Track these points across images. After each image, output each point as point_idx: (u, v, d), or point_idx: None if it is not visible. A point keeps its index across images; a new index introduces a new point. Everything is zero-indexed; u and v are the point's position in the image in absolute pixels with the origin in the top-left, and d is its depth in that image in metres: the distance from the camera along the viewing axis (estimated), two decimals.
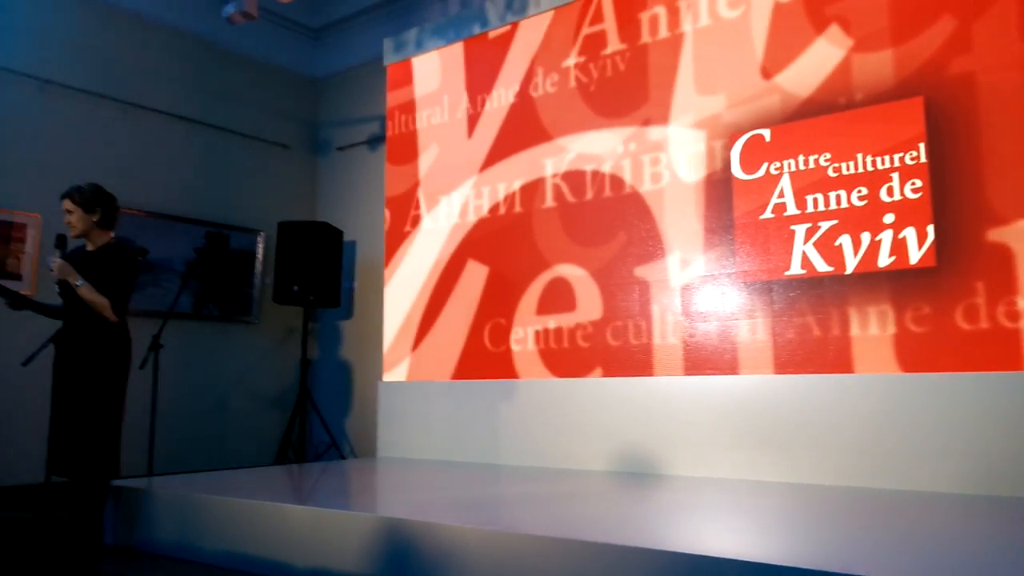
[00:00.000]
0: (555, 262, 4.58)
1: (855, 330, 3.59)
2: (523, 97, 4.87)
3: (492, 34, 5.06)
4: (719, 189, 4.06)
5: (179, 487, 3.60)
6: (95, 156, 5.15)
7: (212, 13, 5.57)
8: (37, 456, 3.49)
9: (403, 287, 5.30)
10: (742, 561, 2.04)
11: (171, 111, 5.64)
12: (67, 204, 3.43)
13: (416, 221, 5.30)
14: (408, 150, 5.43)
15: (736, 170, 4.01)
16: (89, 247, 3.50)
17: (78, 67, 5.18)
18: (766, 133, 3.94)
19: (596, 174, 4.49)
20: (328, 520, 2.88)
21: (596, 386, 4.29)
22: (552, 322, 4.56)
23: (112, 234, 3.56)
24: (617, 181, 4.41)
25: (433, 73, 5.38)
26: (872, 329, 3.55)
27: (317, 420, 5.77)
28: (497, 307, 4.80)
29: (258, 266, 6.13)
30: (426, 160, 5.32)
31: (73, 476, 3.34)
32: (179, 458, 5.35)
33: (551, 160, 4.69)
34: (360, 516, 2.81)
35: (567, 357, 4.49)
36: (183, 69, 5.77)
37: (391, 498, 3.69)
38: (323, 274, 5.59)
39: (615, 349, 4.29)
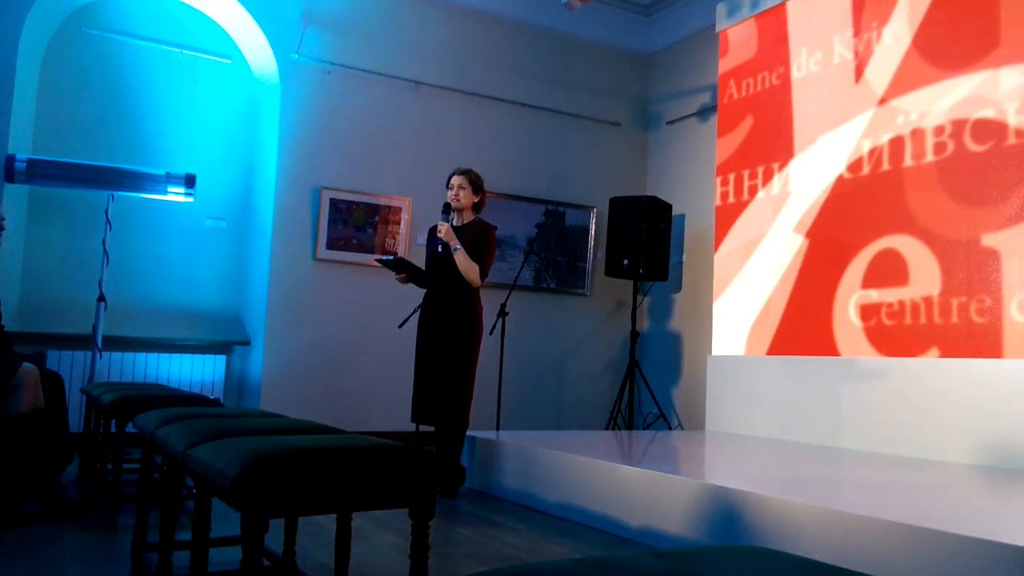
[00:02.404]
0: (928, 224, 4.03)
1: None
2: (857, 53, 4.44)
3: None
4: None
5: (524, 441, 3.96)
6: (454, 145, 5.80)
7: (550, 2, 5.92)
8: (406, 405, 4.06)
9: (733, 260, 5.18)
10: None
11: (514, 99, 6.13)
12: (461, 180, 3.92)
13: (750, 191, 5.13)
14: (740, 117, 5.26)
15: None
16: (456, 222, 3.97)
17: (441, 67, 5.88)
18: None
19: (968, 123, 3.94)
20: (658, 483, 2.96)
21: (947, 367, 3.79)
22: (880, 296, 4.13)
23: (476, 216, 4.01)
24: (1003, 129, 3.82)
25: (772, 34, 5.14)
26: None
27: (645, 391, 5.91)
28: (823, 280, 4.47)
29: (591, 241, 6.43)
30: (760, 127, 5.11)
31: (437, 424, 3.84)
32: (521, 416, 5.86)
33: (893, 118, 4.21)
34: (689, 481, 2.85)
35: (897, 334, 4.04)
36: (524, 59, 6.24)
37: (720, 468, 3.67)
38: (652, 248, 5.68)
39: (957, 327, 3.75)
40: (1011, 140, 3.70)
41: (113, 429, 3.07)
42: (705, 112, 6.05)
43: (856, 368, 4.24)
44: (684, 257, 6.20)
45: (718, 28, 5.53)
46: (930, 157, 4.04)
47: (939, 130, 4.01)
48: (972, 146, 3.86)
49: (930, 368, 3.88)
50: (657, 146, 6.65)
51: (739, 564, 0.83)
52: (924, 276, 3.99)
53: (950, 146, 3.96)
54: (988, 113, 3.80)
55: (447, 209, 3.92)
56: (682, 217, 6.20)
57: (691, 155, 6.21)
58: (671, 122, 6.44)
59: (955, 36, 4.00)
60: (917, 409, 3.89)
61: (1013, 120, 3.70)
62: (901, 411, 3.96)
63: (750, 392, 4.86)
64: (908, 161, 4.13)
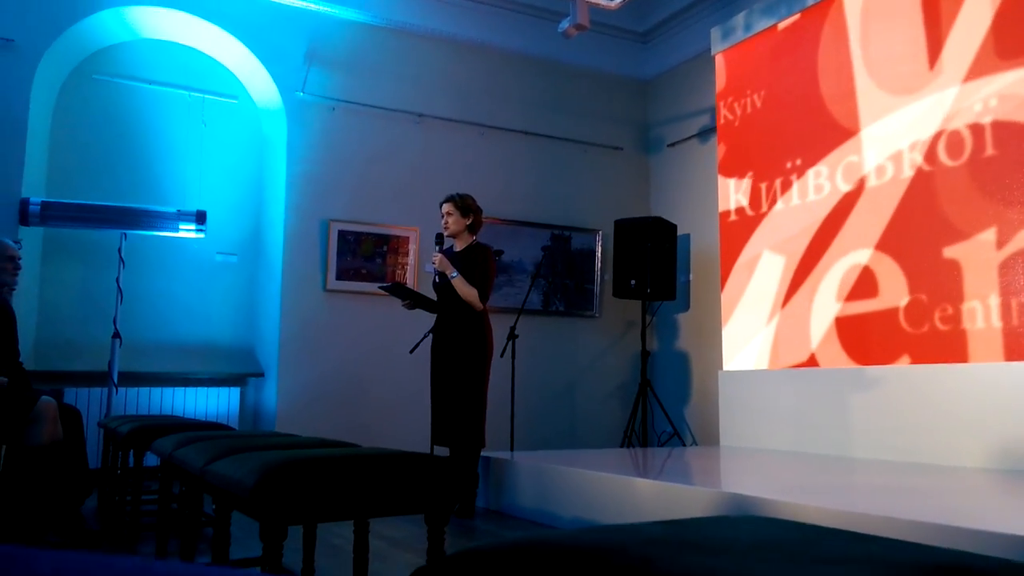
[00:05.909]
0: (967, 227, 3.95)
1: None
2: (823, 73, 4.51)
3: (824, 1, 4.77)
4: None
5: (539, 460, 3.97)
6: (459, 174, 5.88)
7: (548, 32, 6.04)
8: (419, 430, 4.09)
9: (739, 277, 5.20)
10: None
11: (517, 128, 6.23)
12: (448, 207, 3.99)
13: (751, 209, 5.18)
14: (737, 137, 5.33)
15: None
16: (456, 247, 4.03)
17: (444, 99, 5.98)
18: None
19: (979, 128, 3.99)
20: (673, 494, 2.97)
21: (962, 373, 3.79)
22: (853, 307, 4.25)
23: (475, 238, 4.06)
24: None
25: (765, 54, 5.22)
26: None
27: (658, 409, 5.91)
28: (808, 293, 4.50)
29: (598, 263, 6.48)
30: (756, 147, 5.17)
31: (452, 446, 3.86)
32: (534, 438, 5.86)
33: (871, 142, 4.27)
34: (704, 491, 2.85)
35: (871, 343, 4.29)
36: (525, 88, 6.34)
37: (736, 479, 3.66)
38: (659, 268, 5.72)
39: (925, 335, 3.76)
40: (961, 158, 3.75)
41: (131, 461, 3.11)
42: (705, 133, 6.13)
43: (866, 377, 4.24)
44: (691, 276, 6.23)
45: (713, 51, 5.62)
46: (908, 173, 4.10)
47: (911, 148, 4.06)
48: (945, 161, 3.91)
49: (940, 374, 3.88)
50: (659, 168, 6.72)
51: (741, 529, 0.87)
52: (892, 287, 4.21)
53: (923, 166, 4.01)
54: (952, 129, 3.85)
55: (440, 239, 3.98)
56: (687, 237, 6.25)
57: (693, 176, 6.27)
58: (672, 144, 6.51)
59: (906, 62, 4.08)
60: (932, 415, 3.89)
61: (980, 136, 3.75)
62: (915, 418, 3.96)
63: (763, 405, 4.86)
64: (885, 180, 4.19)
